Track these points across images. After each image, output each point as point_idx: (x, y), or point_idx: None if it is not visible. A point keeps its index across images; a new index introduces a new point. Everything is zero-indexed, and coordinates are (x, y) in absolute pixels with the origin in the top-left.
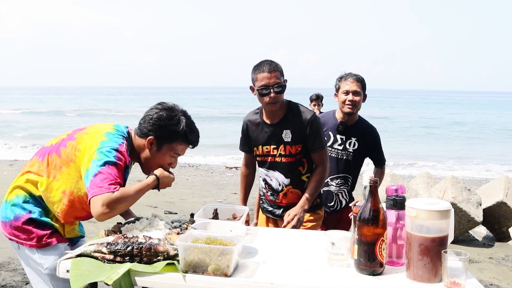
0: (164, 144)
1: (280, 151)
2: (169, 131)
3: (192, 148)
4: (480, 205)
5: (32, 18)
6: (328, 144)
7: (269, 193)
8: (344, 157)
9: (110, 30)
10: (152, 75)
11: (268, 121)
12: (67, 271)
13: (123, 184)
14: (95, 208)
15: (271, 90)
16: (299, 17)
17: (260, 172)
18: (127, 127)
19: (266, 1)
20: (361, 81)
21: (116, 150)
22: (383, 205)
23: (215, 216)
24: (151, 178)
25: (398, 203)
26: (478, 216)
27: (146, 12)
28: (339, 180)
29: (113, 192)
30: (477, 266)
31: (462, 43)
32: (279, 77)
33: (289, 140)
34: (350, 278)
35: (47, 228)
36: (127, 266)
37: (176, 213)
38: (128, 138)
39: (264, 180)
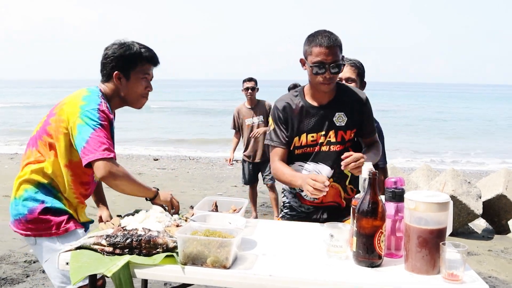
0: (129, 71)
1: (329, 138)
2: (127, 57)
3: (155, 65)
4: (480, 198)
5: (31, 14)
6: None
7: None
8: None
9: (110, 26)
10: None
11: (315, 103)
12: (67, 263)
13: (112, 143)
14: (100, 171)
15: (328, 69)
16: (299, 17)
17: (295, 167)
18: (97, 87)
19: (266, 0)
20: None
21: (98, 110)
22: (382, 197)
23: (215, 208)
24: (152, 190)
25: (397, 195)
26: (478, 209)
27: (145, 10)
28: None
29: (109, 157)
30: (476, 259)
31: (462, 37)
32: (337, 54)
33: (343, 124)
34: (348, 270)
35: (63, 214)
36: (126, 258)
37: None
38: (103, 94)
39: None
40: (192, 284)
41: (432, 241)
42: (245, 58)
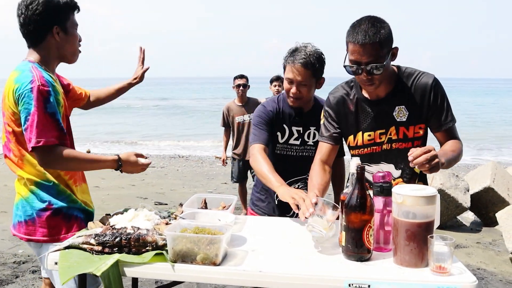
0: (65, 24)
1: (390, 135)
2: (61, 8)
3: (77, 11)
4: (468, 191)
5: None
6: (282, 140)
7: None
8: (304, 154)
9: (99, 19)
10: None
11: (371, 97)
12: (56, 263)
13: (54, 120)
14: (39, 159)
15: (364, 70)
16: (292, 6)
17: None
18: (27, 60)
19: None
20: (311, 67)
21: (31, 88)
22: (370, 192)
23: (204, 206)
24: (111, 158)
25: (384, 189)
26: (466, 202)
27: (136, 2)
28: (299, 184)
29: (53, 144)
30: (465, 251)
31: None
32: (377, 52)
33: (404, 119)
34: (338, 265)
35: (73, 217)
36: (115, 257)
37: (166, 204)
38: (37, 63)
39: None
40: (183, 282)
41: (420, 235)
42: (230, 54)
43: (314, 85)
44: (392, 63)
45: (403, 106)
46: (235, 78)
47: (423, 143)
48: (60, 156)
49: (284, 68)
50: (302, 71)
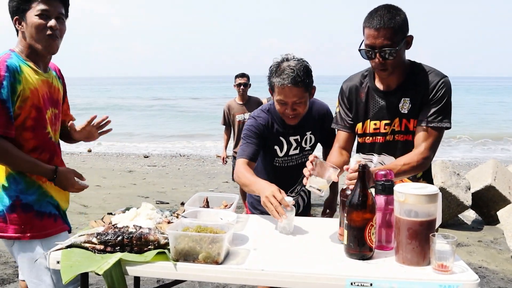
0: (25, 13)
1: (394, 126)
2: (15, 2)
3: (61, 1)
4: (469, 189)
5: None
6: (282, 154)
7: None
8: (303, 160)
9: (98, 18)
10: (140, 64)
11: (382, 87)
12: (58, 262)
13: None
14: None
15: (377, 54)
16: (289, 4)
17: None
18: (9, 50)
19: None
20: (302, 83)
21: None
22: (372, 190)
23: (206, 204)
24: (49, 167)
25: (386, 188)
26: (467, 200)
27: (123, 4)
28: (298, 187)
29: None
30: (467, 250)
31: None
32: (391, 37)
33: (406, 111)
34: (340, 263)
35: (45, 213)
36: (117, 256)
37: (167, 203)
38: (14, 52)
39: None
40: (185, 280)
41: (422, 233)
42: (230, 52)
43: (308, 98)
44: (408, 58)
45: (408, 99)
46: (236, 76)
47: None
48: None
49: (272, 88)
50: (294, 90)
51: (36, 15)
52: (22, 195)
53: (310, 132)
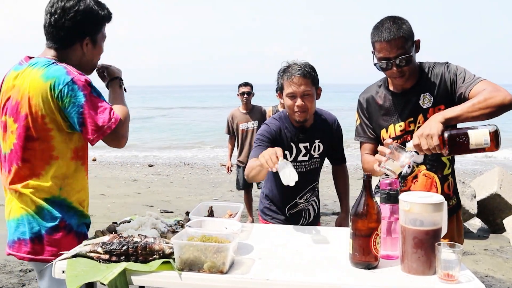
0: (96, 36)
1: (419, 123)
2: (97, 20)
3: (109, 21)
4: (475, 197)
5: (19, 16)
6: (291, 159)
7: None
8: (312, 167)
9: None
10: (144, 74)
11: (398, 90)
12: (63, 271)
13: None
14: (115, 141)
15: (393, 64)
16: (293, 11)
17: None
18: (44, 56)
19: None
20: (309, 75)
21: (72, 79)
22: (377, 199)
23: (210, 213)
24: (117, 84)
25: (392, 197)
26: (473, 208)
27: (138, 8)
28: (308, 194)
29: (116, 119)
30: (472, 258)
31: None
32: (403, 45)
33: (430, 105)
34: (345, 272)
35: (82, 236)
36: (122, 265)
37: (172, 212)
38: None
39: None
40: None
41: (428, 242)
42: (234, 62)
43: (315, 95)
44: (423, 59)
45: (427, 93)
46: (240, 85)
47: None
48: (127, 123)
49: (281, 87)
50: (303, 81)
51: (103, 41)
52: (66, 216)
53: (318, 140)
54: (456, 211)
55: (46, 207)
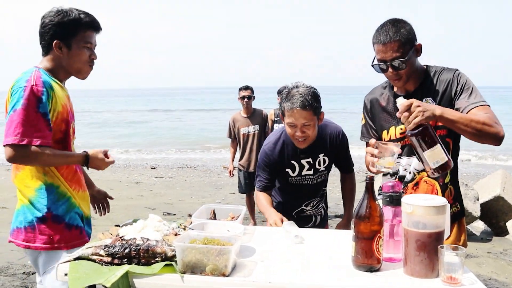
0: (70, 40)
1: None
2: (66, 24)
3: (97, 32)
4: (478, 200)
5: (23, 19)
6: (294, 174)
7: None
8: (319, 180)
9: (106, 31)
10: (147, 76)
11: (400, 92)
12: (65, 274)
13: (38, 123)
14: (11, 154)
15: (389, 67)
16: (295, 15)
17: None
18: (35, 66)
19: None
20: (310, 107)
21: (25, 87)
22: (379, 201)
23: (213, 216)
24: (80, 154)
25: (394, 199)
26: (476, 211)
27: (141, 13)
28: (315, 202)
29: (18, 144)
30: (476, 261)
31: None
32: (398, 49)
33: None
34: (347, 275)
35: (73, 225)
36: (125, 268)
37: (174, 214)
38: (44, 70)
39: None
40: None
41: (431, 245)
42: (235, 64)
43: (317, 122)
44: (422, 62)
45: (430, 98)
46: (240, 89)
47: (449, 132)
48: (38, 152)
49: (283, 112)
50: (303, 113)
51: (83, 46)
52: (53, 206)
53: (323, 154)
54: (457, 219)
55: (35, 197)
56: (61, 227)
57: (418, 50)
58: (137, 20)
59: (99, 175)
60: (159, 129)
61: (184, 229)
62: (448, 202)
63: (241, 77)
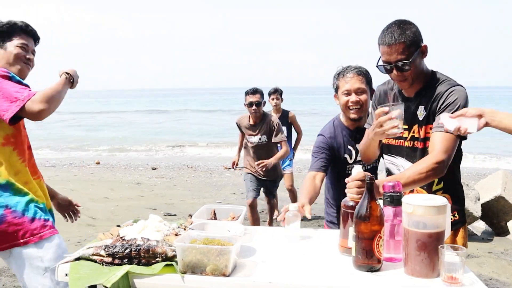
0: (5, 42)
1: (413, 133)
2: (2, 28)
3: (33, 38)
4: (479, 200)
5: (27, 19)
6: (351, 161)
7: None
8: (374, 164)
9: (108, 31)
10: (150, 77)
11: (405, 94)
12: (66, 274)
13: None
14: (34, 108)
15: (393, 68)
16: (294, 14)
17: (386, 163)
18: None
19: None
20: (364, 74)
21: None
22: (380, 201)
23: (213, 216)
24: (63, 76)
25: (395, 199)
26: (477, 211)
27: (144, 13)
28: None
29: (30, 94)
30: (477, 261)
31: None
32: (403, 51)
33: (421, 119)
34: (348, 275)
35: (35, 218)
36: (125, 268)
37: (175, 215)
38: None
39: (387, 170)
40: None
41: (431, 245)
42: (241, 66)
43: (369, 94)
44: (431, 68)
45: (423, 107)
46: (247, 93)
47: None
48: (43, 98)
49: (337, 88)
50: (358, 78)
51: (17, 46)
52: (10, 203)
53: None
54: (455, 228)
55: None
56: (21, 221)
57: (423, 52)
58: (139, 20)
59: (100, 176)
60: (160, 129)
61: (185, 229)
62: None
63: (241, 77)
